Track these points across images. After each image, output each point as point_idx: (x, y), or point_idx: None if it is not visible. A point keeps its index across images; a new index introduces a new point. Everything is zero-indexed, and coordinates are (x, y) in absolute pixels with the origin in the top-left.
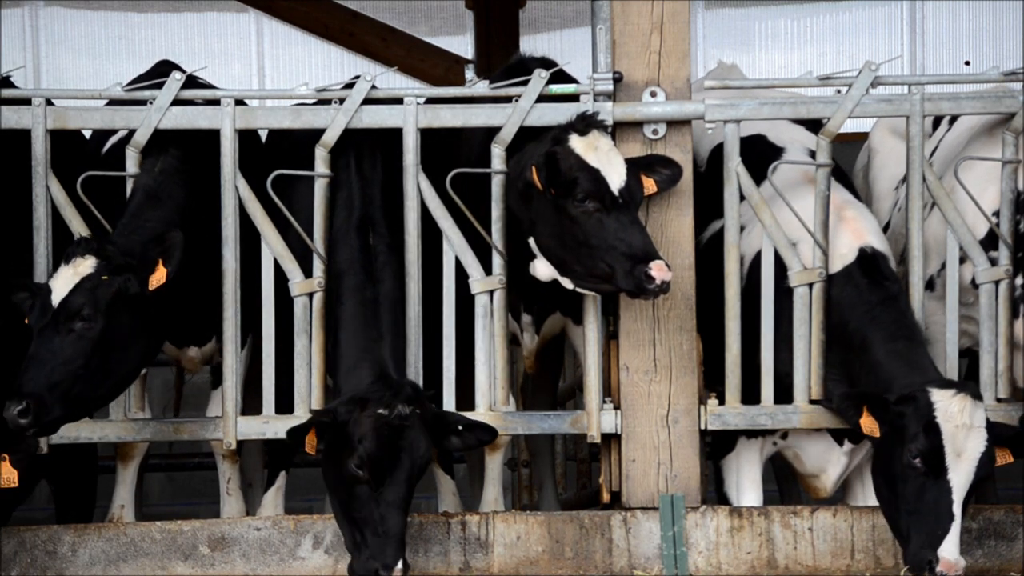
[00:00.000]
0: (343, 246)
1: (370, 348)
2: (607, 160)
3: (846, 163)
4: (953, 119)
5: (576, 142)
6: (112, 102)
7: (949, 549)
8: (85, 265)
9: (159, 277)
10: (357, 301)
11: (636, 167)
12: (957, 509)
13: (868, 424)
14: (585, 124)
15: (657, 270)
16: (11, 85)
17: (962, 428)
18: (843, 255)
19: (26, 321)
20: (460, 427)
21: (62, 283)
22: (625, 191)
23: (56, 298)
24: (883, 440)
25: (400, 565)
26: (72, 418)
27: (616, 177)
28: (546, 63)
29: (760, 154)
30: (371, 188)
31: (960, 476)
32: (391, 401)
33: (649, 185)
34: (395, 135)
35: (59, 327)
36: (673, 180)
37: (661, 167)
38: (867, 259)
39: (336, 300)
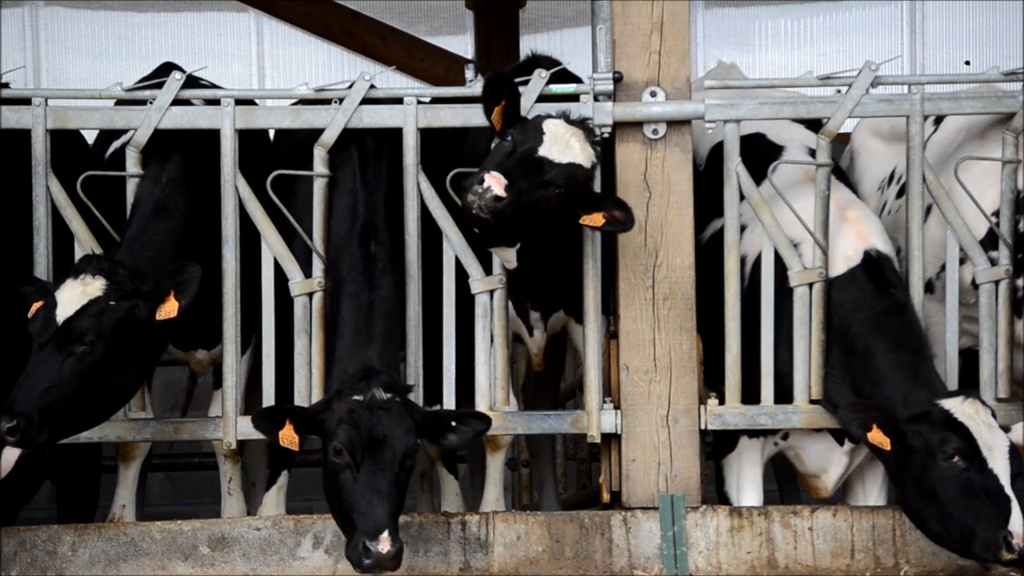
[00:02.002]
0: (345, 254)
1: (359, 351)
2: (563, 143)
3: (846, 163)
4: (939, 119)
5: (551, 122)
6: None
7: (1017, 524)
8: (94, 286)
9: (169, 309)
10: (352, 307)
11: (602, 199)
12: (1010, 492)
13: (878, 438)
14: (569, 119)
15: (492, 178)
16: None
17: (984, 426)
18: (848, 257)
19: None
20: (453, 422)
21: (68, 298)
22: (559, 165)
23: (60, 313)
24: (903, 460)
25: (386, 534)
26: (61, 437)
27: (555, 152)
28: (555, 64)
29: (760, 152)
30: (375, 197)
31: (999, 467)
32: (365, 388)
33: (596, 219)
34: (400, 139)
35: (60, 348)
36: (620, 227)
37: (616, 210)
38: (872, 263)
39: (336, 307)
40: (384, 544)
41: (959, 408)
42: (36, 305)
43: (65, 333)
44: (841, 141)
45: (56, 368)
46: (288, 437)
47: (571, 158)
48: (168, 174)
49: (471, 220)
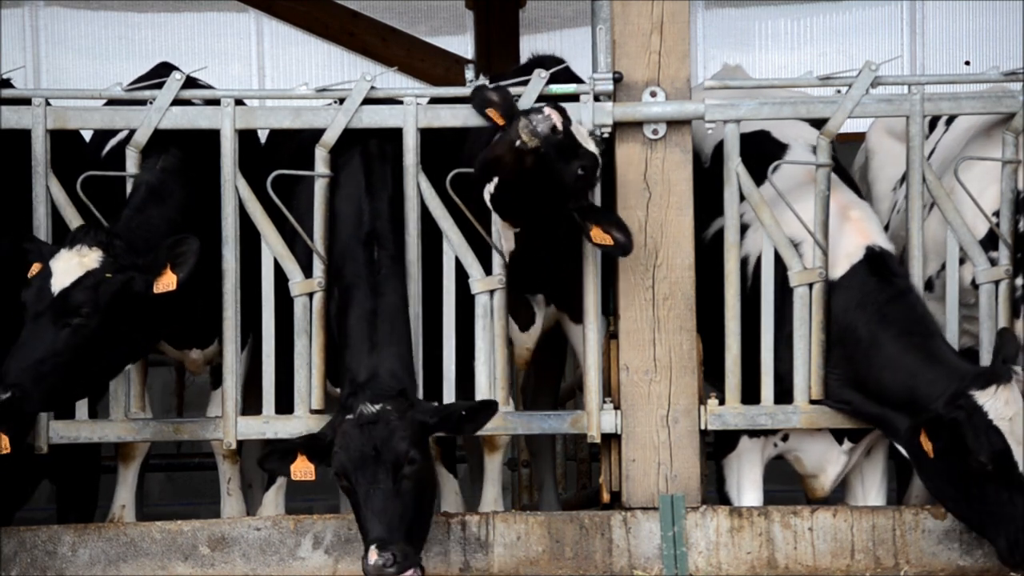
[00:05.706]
0: (350, 260)
1: (365, 360)
2: (582, 134)
3: (846, 163)
4: (950, 120)
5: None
6: (112, 102)
7: None
8: (91, 258)
9: (167, 282)
10: (356, 315)
11: (599, 215)
12: None
13: (926, 444)
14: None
15: (553, 111)
16: (10, 86)
17: (1015, 418)
18: (850, 254)
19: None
20: (464, 412)
21: (63, 268)
22: (585, 147)
23: (56, 284)
24: (937, 450)
25: (373, 548)
26: (50, 409)
27: (578, 138)
28: (559, 64)
29: (763, 150)
30: (380, 203)
31: None
32: (354, 404)
33: (601, 235)
34: (401, 139)
35: (55, 319)
36: (619, 251)
37: (616, 231)
38: (875, 257)
39: (342, 314)
40: (372, 556)
41: (990, 401)
42: (35, 267)
43: (61, 304)
44: (841, 141)
45: (51, 339)
46: (302, 469)
47: (590, 147)
48: (164, 163)
49: (508, 159)
